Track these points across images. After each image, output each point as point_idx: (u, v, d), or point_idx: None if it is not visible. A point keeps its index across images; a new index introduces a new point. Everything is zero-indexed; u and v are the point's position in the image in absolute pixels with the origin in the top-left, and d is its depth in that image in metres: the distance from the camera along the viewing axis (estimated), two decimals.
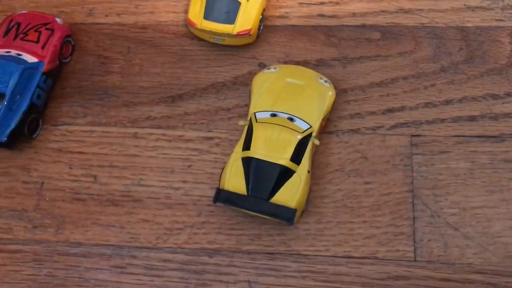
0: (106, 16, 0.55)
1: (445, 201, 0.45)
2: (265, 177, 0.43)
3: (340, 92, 0.49)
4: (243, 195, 0.43)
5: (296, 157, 0.44)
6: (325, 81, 0.47)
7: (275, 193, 0.43)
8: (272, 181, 0.43)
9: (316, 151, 0.47)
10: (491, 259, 0.43)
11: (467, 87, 0.49)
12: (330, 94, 0.47)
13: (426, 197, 0.45)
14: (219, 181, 0.45)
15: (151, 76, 0.52)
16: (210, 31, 0.49)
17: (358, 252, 0.44)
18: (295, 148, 0.44)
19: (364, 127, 0.48)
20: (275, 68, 0.48)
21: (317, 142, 0.45)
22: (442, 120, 0.48)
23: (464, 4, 0.52)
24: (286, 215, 0.42)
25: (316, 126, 0.45)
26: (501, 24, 0.51)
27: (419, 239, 0.44)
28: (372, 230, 0.45)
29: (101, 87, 0.52)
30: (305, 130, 0.45)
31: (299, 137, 0.44)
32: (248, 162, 0.43)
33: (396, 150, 0.47)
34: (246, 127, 0.45)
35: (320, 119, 0.45)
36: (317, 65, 0.51)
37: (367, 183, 0.46)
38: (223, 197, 0.43)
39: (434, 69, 0.50)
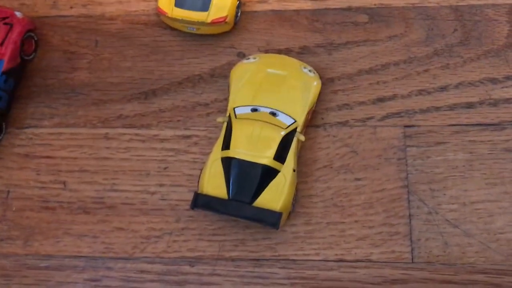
0: (71, 7, 0.50)
1: (443, 196, 0.42)
2: (247, 178, 0.39)
3: (327, 82, 0.45)
4: (224, 199, 0.39)
5: (280, 156, 0.40)
6: (309, 71, 0.44)
7: (258, 196, 0.39)
8: (254, 182, 0.39)
9: (302, 146, 0.43)
10: (494, 257, 0.40)
11: (463, 72, 0.45)
12: (315, 84, 0.43)
13: (423, 192, 0.42)
14: (197, 184, 0.41)
15: (121, 71, 0.48)
16: (182, 19, 0.45)
17: (350, 255, 0.41)
18: (279, 146, 0.40)
19: (353, 119, 0.44)
20: (254, 58, 0.44)
21: (302, 138, 0.41)
22: (437, 108, 0.44)
23: None
24: (270, 220, 0.39)
25: (301, 121, 0.41)
26: (497, 1, 0.47)
27: (416, 239, 0.41)
28: (365, 230, 0.41)
29: (68, 85, 0.48)
30: (289, 126, 0.41)
31: (283, 133, 0.40)
32: (228, 163, 0.40)
33: (389, 142, 0.43)
34: (225, 124, 0.42)
35: (305, 113, 0.42)
36: (301, 52, 0.47)
37: (358, 179, 0.43)
38: (202, 202, 0.40)
39: (427, 53, 0.46)
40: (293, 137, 0.41)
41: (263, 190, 0.39)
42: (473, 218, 0.41)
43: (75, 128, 0.46)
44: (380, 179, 0.42)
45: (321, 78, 0.44)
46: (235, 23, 0.47)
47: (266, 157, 0.40)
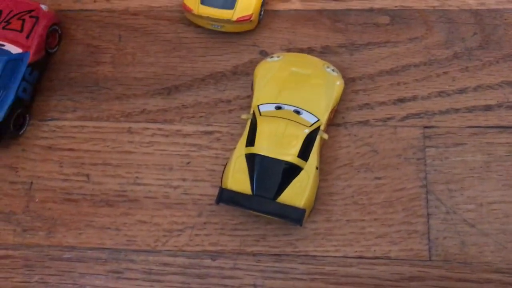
0: (95, 2, 0.51)
1: (461, 197, 0.43)
2: (271, 175, 0.40)
3: (348, 81, 0.46)
4: (248, 195, 0.40)
5: (304, 153, 0.41)
6: (333, 70, 0.44)
7: (282, 192, 0.40)
8: (278, 179, 0.40)
9: (323, 145, 0.44)
10: (510, 257, 0.41)
11: (482, 75, 0.46)
12: (338, 83, 0.44)
13: (441, 192, 0.43)
14: (221, 179, 0.42)
15: (144, 66, 0.48)
16: (208, 17, 0.46)
17: (369, 252, 0.42)
18: (303, 144, 0.41)
19: (374, 119, 0.45)
20: (278, 57, 0.45)
21: (325, 136, 0.42)
22: (456, 110, 0.45)
23: None
24: (294, 216, 0.40)
25: (324, 119, 0.42)
26: None
27: (434, 237, 0.42)
28: (384, 228, 0.42)
29: (92, 79, 0.48)
30: (313, 124, 0.42)
31: (307, 131, 0.41)
32: (252, 159, 0.41)
33: (408, 142, 0.44)
34: (249, 121, 0.42)
35: (328, 111, 0.43)
36: (323, 52, 0.47)
37: (378, 178, 0.43)
38: (227, 197, 0.40)
39: (446, 56, 0.47)
40: (317, 135, 0.42)
41: (286, 186, 0.40)
42: (489, 218, 0.42)
43: (98, 122, 0.47)
44: (399, 179, 0.43)
45: (342, 77, 0.45)
46: (259, 22, 0.48)
47: (290, 154, 0.40)
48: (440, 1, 0.48)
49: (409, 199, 0.43)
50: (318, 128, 0.42)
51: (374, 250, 0.42)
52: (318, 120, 0.42)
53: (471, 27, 0.47)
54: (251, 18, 0.46)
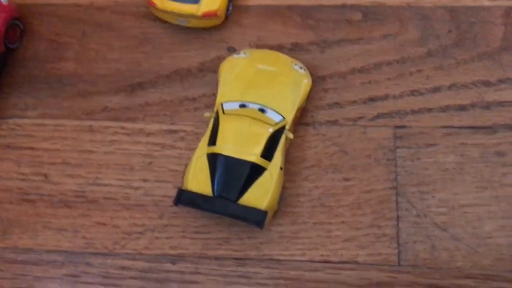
0: None
1: (432, 199, 0.41)
2: (232, 175, 0.38)
3: (318, 80, 0.45)
4: (208, 196, 0.38)
5: (267, 153, 0.39)
6: (300, 68, 0.43)
7: (244, 193, 0.38)
8: (240, 180, 0.38)
9: (290, 145, 0.42)
10: (482, 262, 0.39)
11: (456, 73, 0.44)
12: (306, 81, 0.42)
13: (412, 194, 0.41)
14: (183, 180, 0.40)
15: (108, 62, 0.47)
16: (172, 12, 0.44)
17: (336, 256, 0.40)
18: (266, 143, 0.39)
19: (343, 118, 0.44)
20: (244, 53, 0.43)
21: (291, 135, 0.40)
22: (429, 110, 0.43)
23: None
24: (255, 218, 0.38)
25: (290, 118, 0.41)
26: (493, 3, 0.46)
27: (403, 242, 0.40)
28: (352, 231, 0.40)
29: (54, 76, 0.47)
30: (278, 123, 0.40)
31: (271, 130, 0.40)
32: (214, 159, 0.39)
33: (379, 143, 0.43)
34: (212, 120, 0.41)
35: (295, 110, 0.41)
36: (293, 49, 0.46)
37: (347, 179, 0.42)
38: (186, 198, 0.39)
39: (420, 53, 0.45)
40: (282, 135, 0.40)
41: (249, 187, 0.38)
42: (461, 222, 0.40)
43: (59, 120, 0.45)
44: (368, 180, 0.42)
45: (312, 76, 0.44)
46: (226, 17, 0.46)
47: (253, 154, 0.39)
48: None
49: (379, 202, 0.41)
50: (283, 127, 0.40)
51: (341, 254, 0.40)
52: (284, 119, 0.40)
53: (446, 24, 0.46)
54: (217, 13, 0.44)
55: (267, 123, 0.40)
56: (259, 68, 0.42)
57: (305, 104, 0.43)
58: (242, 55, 0.43)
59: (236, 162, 0.38)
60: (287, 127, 0.40)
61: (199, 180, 0.39)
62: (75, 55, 0.47)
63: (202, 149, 0.40)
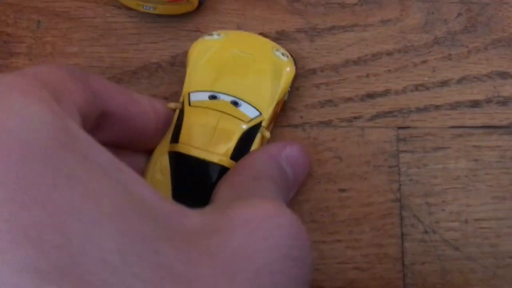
0: None
1: (442, 212, 0.35)
2: (195, 179, 0.32)
3: (307, 74, 0.38)
4: None
5: (239, 154, 0.33)
6: (282, 54, 0.36)
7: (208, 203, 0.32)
8: (204, 184, 0.32)
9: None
10: (502, 286, 0.34)
11: (468, 64, 0.38)
12: (288, 70, 0.36)
13: (418, 207, 0.35)
14: None
15: (66, 57, 0.40)
16: None
17: (331, 280, 0.34)
18: (238, 142, 0.33)
19: (338, 118, 0.38)
20: (218, 35, 0.37)
21: (267, 134, 0.34)
22: (437, 107, 0.37)
23: None
24: None
25: (267, 114, 0.34)
26: None
27: (409, 263, 0.34)
28: (349, 251, 0.35)
29: (3, 73, 0.40)
30: (253, 119, 0.34)
31: (244, 127, 0.34)
32: (176, 159, 0.33)
33: (379, 147, 0.37)
34: (177, 112, 0.35)
35: (274, 104, 0.35)
36: (278, 38, 0.40)
37: (342, 190, 0.36)
38: None
39: (425, 41, 0.39)
40: (257, 133, 0.34)
41: None
42: (477, 239, 0.35)
43: None
44: (368, 191, 0.36)
45: (301, 69, 0.38)
46: (201, 3, 0.40)
47: (221, 155, 0.33)
48: None
49: (380, 216, 0.35)
50: (259, 124, 0.34)
51: (337, 279, 0.34)
52: (260, 114, 0.34)
53: (454, 6, 0.40)
54: None
55: (239, 118, 0.34)
56: (234, 53, 0.36)
57: (286, 97, 0.37)
58: (215, 36, 0.37)
59: (200, 163, 0.32)
60: (264, 124, 0.34)
61: (158, 181, 0.33)
62: (28, 49, 0.41)
63: (164, 146, 0.33)
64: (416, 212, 0.35)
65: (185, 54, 0.40)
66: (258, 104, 0.34)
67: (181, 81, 0.39)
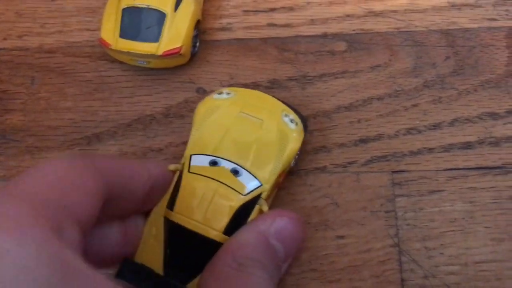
0: (5, 39, 0.44)
1: (441, 256, 0.35)
2: (188, 251, 0.31)
3: (303, 134, 0.39)
4: (154, 274, 0.30)
5: (234, 229, 0.31)
6: (291, 120, 0.35)
7: (198, 274, 0.31)
8: (196, 257, 0.31)
9: (273, 197, 0.36)
10: None
11: (458, 106, 0.39)
12: (295, 137, 0.35)
13: (416, 252, 0.35)
14: None
15: (60, 112, 0.41)
16: (129, 52, 0.38)
17: None
18: (233, 217, 0.32)
19: (332, 164, 0.38)
20: (228, 94, 0.36)
21: (265, 207, 0.33)
22: (430, 150, 0.38)
23: (448, 2, 0.42)
24: None
25: (268, 185, 0.33)
26: (494, 24, 0.41)
27: None
28: None
29: None
30: (252, 191, 0.33)
31: (241, 201, 0.32)
32: (169, 228, 0.32)
33: (375, 191, 0.37)
34: (178, 174, 0.34)
35: (276, 175, 0.33)
36: (270, 87, 0.40)
37: (340, 237, 0.36)
38: (129, 272, 0.30)
39: (415, 85, 0.40)
40: (254, 206, 0.32)
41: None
42: (478, 282, 0.34)
43: (5, 182, 0.39)
44: (366, 237, 0.36)
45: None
46: (193, 55, 0.41)
47: (215, 230, 0.31)
48: (404, 22, 0.41)
49: (379, 262, 0.35)
50: (258, 196, 0.33)
51: None
52: (261, 185, 0.33)
53: (442, 50, 0.40)
54: (181, 51, 0.38)
55: (237, 191, 0.33)
56: (241, 116, 0.35)
57: (292, 164, 0.36)
58: (224, 95, 0.36)
59: (194, 237, 0.31)
60: (263, 196, 0.33)
61: (151, 247, 0.32)
62: (22, 106, 0.41)
63: (160, 210, 0.32)
64: (415, 257, 0.35)
65: (178, 105, 0.40)
66: (259, 173, 0.33)
67: (175, 132, 0.40)
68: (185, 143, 0.38)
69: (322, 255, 0.35)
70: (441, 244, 0.35)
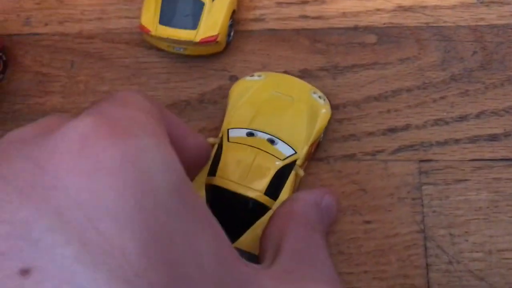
0: (46, 25, 0.45)
1: (465, 243, 0.36)
2: (230, 212, 0.33)
3: (331, 109, 0.40)
4: None
5: (273, 190, 0.34)
6: (319, 97, 0.38)
7: (241, 235, 0.33)
8: (238, 218, 0.33)
9: (301, 183, 0.37)
10: None
11: (485, 99, 0.40)
12: (324, 112, 0.38)
13: (441, 238, 0.36)
14: None
15: (98, 95, 0.42)
16: (168, 38, 0.40)
17: None
18: (273, 179, 0.34)
19: (361, 152, 0.39)
20: (259, 76, 0.39)
21: (301, 172, 0.36)
22: (457, 141, 0.39)
23: None
24: None
25: (302, 153, 0.36)
26: None
27: None
28: (376, 282, 0.36)
29: (39, 111, 0.42)
30: (288, 157, 0.35)
31: (279, 164, 0.35)
32: (212, 192, 0.34)
33: (402, 179, 0.38)
34: (216, 147, 0.36)
35: (309, 144, 0.36)
36: (301, 76, 0.41)
37: (368, 222, 0.37)
38: None
39: (443, 78, 0.41)
40: (291, 171, 0.35)
41: (247, 228, 0.33)
42: (501, 269, 0.35)
43: None
44: (392, 223, 0.37)
45: None
46: (228, 44, 0.42)
47: (256, 190, 0.34)
48: (434, 17, 0.42)
49: (404, 247, 0.36)
50: (294, 162, 0.35)
51: None
52: (295, 153, 0.36)
53: (470, 45, 0.41)
54: (217, 39, 0.40)
55: (275, 156, 0.35)
56: (273, 94, 0.38)
57: (321, 138, 0.38)
58: (255, 78, 0.39)
59: (235, 197, 0.34)
60: (299, 162, 0.36)
61: None
62: (62, 88, 0.43)
63: (201, 177, 0.35)
64: (440, 243, 0.36)
65: (212, 92, 0.42)
66: (293, 143, 0.36)
67: (209, 117, 0.41)
68: (218, 128, 0.40)
69: (349, 238, 0.37)
70: (466, 232, 0.36)
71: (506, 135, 0.39)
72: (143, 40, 0.43)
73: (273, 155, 0.35)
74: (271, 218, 0.31)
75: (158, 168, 0.20)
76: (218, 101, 0.41)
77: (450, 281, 0.35)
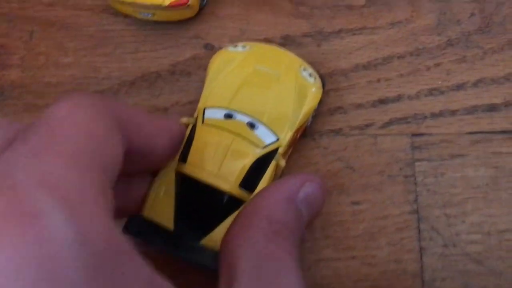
0: None
1: (462, 224, 0.33)
2: (200, 205, 0.30)
3: (322, 88, 0.36)
4: (163, 230, 0.29)
5: (249, 182, 0.30)
6: (310, 74, 0.34)
7: (213, 230, 0.29)
8: (209, 211, 0.30)
9: (286, 161, 0.34)
10: None
11: (483, 66, 0.36)
12: (314, 92, 0.33)
13: (436, 219, 0.33)
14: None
15: (61, 68, 0.39)
16: (134, 2, 0.36)
17: None
18: (249, 170, 0.30)
19: (348, 126, 0.36)
20: (243, 47, 0.35)
21: (282, 163, 0.32)
22: (453, 112, 0.35)
23: None
24: (213, 265, 0.27)
25: (286, 140, 0.32)
26: None
27: (429, 279, 0.32)
28: (365, 268, 0.33)
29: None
30: (269, 145, 0.31)
31: (258, 152, 0.31)
32: (182, 182, 0.30)
33: (393, 155, 0.35)
34: (190, 128, 0.32)
35: (294, 129, 0.32)
36: (283, 44, 0.38)
37: (356, 203, 0.34)
38: (136, 227, 0.29)
39: (438, 43, 0.37)
40: (271, 160, 0.31)
41: (219, 224, 0.30)
42: (501, 251, 0.32)
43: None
44: (383, 203, 0.34)
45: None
46: (201, 8, 0.38)
47: (229, 182, 0.30)
48: None
49: (396, 230, 0.33)
50: (275, 151, 0.31)
51: None
52: (277, 140, 0.32)
53: (467, 6, 0.38)
54: (188, 3, 0.36)
55: (254, 143, 0.31)
56: (258, 69, 0.33)
57: (309, 122, 0.34)
58: (239, 48, 0.35)
59: (207, 189, 0.30)
60: (280, 150, 0.32)
61: (161, 203, 0.30)
62: (20, 61, 0.39)
63: (171, 164, 0.31)
64: (435, 224, 0.33)
65: (185, 62, 0.38)
66: (276, 128, 0.32)
67: (182, 90, 0.37)
68: (192, 102, 0.36)
69: (336, 221, 0.34)
70: (463, 212, 0.33)
71: (506, 105, 0.35)
72: (108, 6, 0.39)
73: (251, 142, 0.31)
74: (231, 224, 0.27)
75: (68, 248, 0.18)
76: (192, 72, 0.38)
77: (445, 265, 0.32)
